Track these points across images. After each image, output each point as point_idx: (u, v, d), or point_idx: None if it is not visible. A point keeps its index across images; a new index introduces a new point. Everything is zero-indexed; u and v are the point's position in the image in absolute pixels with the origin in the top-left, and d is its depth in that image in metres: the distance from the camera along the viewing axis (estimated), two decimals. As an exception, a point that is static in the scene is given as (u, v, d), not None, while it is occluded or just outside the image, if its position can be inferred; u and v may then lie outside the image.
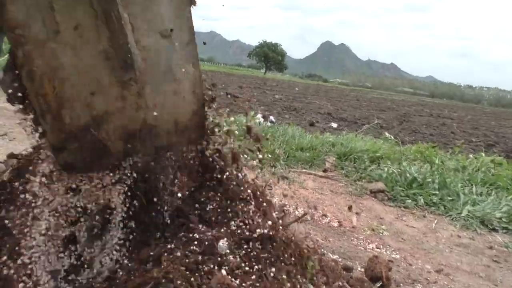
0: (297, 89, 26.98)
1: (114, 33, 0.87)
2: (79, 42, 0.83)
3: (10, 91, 0.85)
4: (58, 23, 0.79)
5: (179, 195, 1.14)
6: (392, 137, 4.03)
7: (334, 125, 9.07)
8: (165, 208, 1.10)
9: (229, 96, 12.54)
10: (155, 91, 1.03)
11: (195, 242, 1.00)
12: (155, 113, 1.03)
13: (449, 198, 2.89)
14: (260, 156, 1.32)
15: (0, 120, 3.34)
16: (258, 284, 0.97)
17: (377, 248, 2.14)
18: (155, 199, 1.09)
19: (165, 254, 0.96)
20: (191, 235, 1.03)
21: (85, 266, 1.01)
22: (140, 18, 0.91)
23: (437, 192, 2.95)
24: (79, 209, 1.01)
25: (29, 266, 0.94)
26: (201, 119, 1.18)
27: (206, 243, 1.00)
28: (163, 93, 1.05)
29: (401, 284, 1.78)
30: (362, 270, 1.77)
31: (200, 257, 0.95)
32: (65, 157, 0.92)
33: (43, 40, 0.77)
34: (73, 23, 0.81)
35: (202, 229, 1.06)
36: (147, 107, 1.01)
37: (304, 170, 3.30)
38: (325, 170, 3.34)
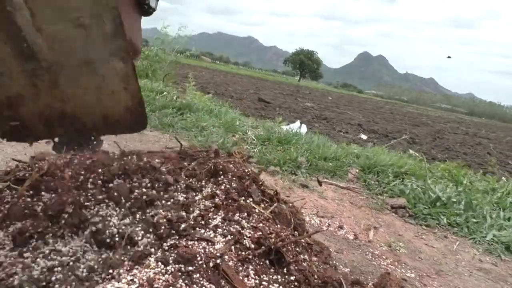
0: (330, 98, 26.75)
1: (7, 19, 0.83)
2: None
3: None
4: None
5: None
6: (416, 153, 3.91)
7: (364, 136, 8.93)
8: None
9: (260, 101, 12.58)
10: (72, 83, 1.00)
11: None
12: (74, 104, 1.01)
13: (474, 220, 2.78)
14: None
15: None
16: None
17: (391, 265, 2.08)
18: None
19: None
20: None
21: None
22: (45, 4, 0.86)
23: (462, 213, 2.85)
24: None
25: None
26: (138, 116, 1.13)
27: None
28: (83, 87, 1.02)
29: (412, 304, 1.73)
30: (373, 286, 1.72)
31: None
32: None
33: None
34: None
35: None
36: (63, 98, 1.00)
37: (325, 180, 3.26)
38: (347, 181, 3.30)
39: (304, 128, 6.86)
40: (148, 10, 1.32)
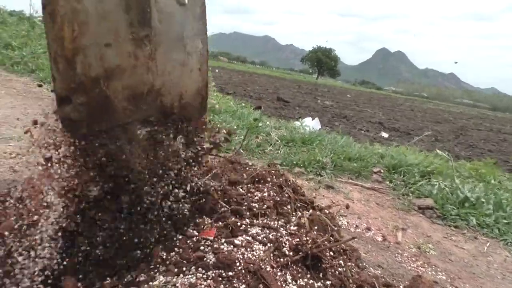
0: (349, 96, 26.52)
1: None
2: None
3: None
4: None
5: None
6: (443, 153, 3.85)
7: (385, 135, 8.84)
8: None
9: (279, 100, 12.57)
10: (166, 57, 1.01)
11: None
12: (163, 79, 1.02)
13: (505, 221, 2.73)
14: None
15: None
16: None
17: (421, 267, 2.07)
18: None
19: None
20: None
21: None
22: None
23: (492, 214, 2.80)
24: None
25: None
26: (203, 99, 1.15)
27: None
28: (173, 62, 1.03)
29: (445, 307, 1.72)
30: (404, 289, 1.72)
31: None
32: (69, 112, 0.88)
33: None
34: None
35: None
36: (156, 71, 1.00)
37: (350, 181, 3.26)
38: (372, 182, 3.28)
39: (317, 124, 6.79)
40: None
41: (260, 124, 4.35)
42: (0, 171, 2.09)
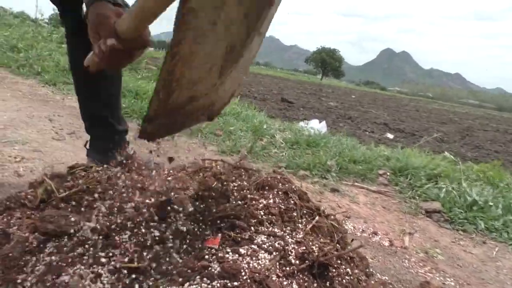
0: (353, 96, 26.45)
1: (249, 35, 0.93)
2: (222, 37, 0.87)
3: None
4: (220, 18, 0.82)
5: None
6: (452, 156, 3.81)
7: (390, 136, 8.79)
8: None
9: (284, 101, 12.55)
10: (231, 81, 1.07)
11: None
12: (220, 96, 1.09)
13: (514, 225, 2.69)
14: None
15: (69, 118, 3.60)
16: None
17: (429, 272, 2.04)
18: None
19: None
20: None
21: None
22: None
23: (500, 217, 2.76)
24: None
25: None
26: (225, 105, 1.23)
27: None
28: (233, 83, 1.10)
29: (454, 315, 1.69)
30: (412, 295, 1.70)
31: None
32: (148, 128, 0.96)
33: (201, 28, 0.81)
34: (228, 21, 0.85)
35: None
36: (221, 93, 1.08)
37: (356, 184, 3.23)
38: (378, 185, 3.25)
39: (323, 127, 6.75)
40: None
41: (264, 127, 4.34)
42: (5, 175, 2.08)
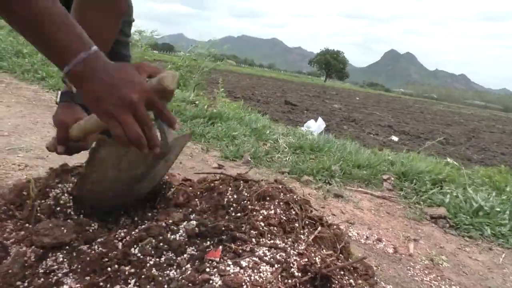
0: (357, 98, 26.41)
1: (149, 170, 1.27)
2: (125, 171, 1.19)
3: None
4: (122, 161, 1.15)
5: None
6: (455, 162, 3.78)
7: (395, 138, 8.76)
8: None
9: (287, 104, 12.53)
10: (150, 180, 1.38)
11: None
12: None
13: (520, 231, 2.66)
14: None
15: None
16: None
17: (434, 280, 2.02)
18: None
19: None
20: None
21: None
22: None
23: (507, 223, 2.73)
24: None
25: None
26: None
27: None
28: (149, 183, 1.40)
29: (460, 325, 1.66)
30: (417, 305, 1.67)
31: None
32: (79, 191, 1.28)
33: (106, 168, 1.17)
34: (129, 162, 1.17)
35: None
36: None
37: (360, 189, 3.21)
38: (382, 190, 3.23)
39: (321, 124, 6.69)
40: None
41: (267, 132, 4.32)
42: (8, 184, 2.08)
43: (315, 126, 6.63)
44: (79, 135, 1.24)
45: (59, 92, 1.43)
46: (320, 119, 7.19)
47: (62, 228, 1.08)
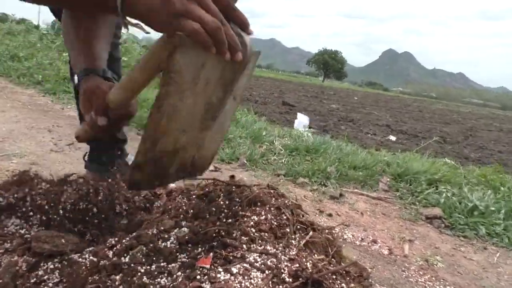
0: (356, 98, 26.42)
1: (225, 94, 1.09)
2: (202, 94, 1.00)
3: None
4: (200, 77, 0.94)
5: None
6: (453, 162, 3.79)
7: (393, 138, 8.76)
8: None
9: (285, 105, 12.54)
10: (212, 137, 1.20)
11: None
12: (202, 152, 1.21)
13: (515, 230, 2.67)
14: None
15: (68, 129, 3.60)
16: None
17: (429, 281, 2.02)
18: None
19: None
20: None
21: None
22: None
23: (501, 222, 2.74)
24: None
25: None
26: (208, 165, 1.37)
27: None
28: (213, 139, 1.23)
29: (454, 326, 1.67)
30: (411, 306, 1.68)
31: None
32: (136, 176, 1.05)
33: (183, 86, 0.93)
34: (206, 80, 0.98)
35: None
36: (202, 147, 1.20)
37: (356, 190, 3.22)
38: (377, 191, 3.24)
39: (304, 119, 6.65)
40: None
41: (264, 133, 4.33)
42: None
43: (301, 123, 6.69)
44: (121, 98, 1.09)
45: (76, 76, 1.29)
46: (300, 114, 7.17)
47: (63, 240, 1.09)
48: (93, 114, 1.13)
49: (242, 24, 0.88)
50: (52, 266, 1.03)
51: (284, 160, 3.61)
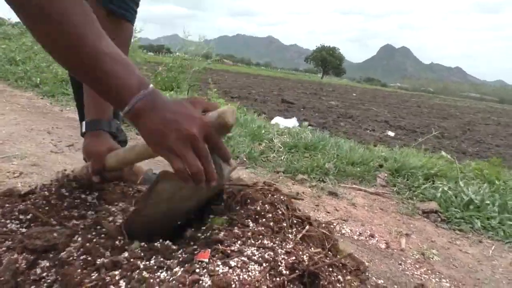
0: (354, 94, 26.43)
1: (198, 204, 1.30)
2: (176, 206, 1.20)
3: None
4: (175, 196, 1.13)
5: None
6: (449, 156, 3.82)
7: (391, 133, 8.80)
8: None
9: (284, 102, 12.56)
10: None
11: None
12: None
13: (510, 223, 2.70)
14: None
15: (67, 130, 3.64)
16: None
17: (425, 274, 2.06)
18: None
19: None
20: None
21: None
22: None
23: (497, 215, 2.78)
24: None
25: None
26: None
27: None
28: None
29: (449, 317, 1.71)
30: (407, 298, 1.72)
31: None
32: (136, 220, 1.19)
33: (161, 203, 1.13)
34: (180, 197, 1.16)
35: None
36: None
37: (354, 186, 3.25)
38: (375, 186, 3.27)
39: (292, 122, 6.65)
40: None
41: (263, 131, 4.36)
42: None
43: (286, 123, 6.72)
44: (117, 166, 1.23)
45: (83, 123, 1.43)
46: (277, 118, 7.20)
47: (55, 233, 1.12)
48: (90, 170, 1.27)
49: (224, 159, 1.07)
50: (50, 263, 1.06)
51: (283, 157, 3.65)
